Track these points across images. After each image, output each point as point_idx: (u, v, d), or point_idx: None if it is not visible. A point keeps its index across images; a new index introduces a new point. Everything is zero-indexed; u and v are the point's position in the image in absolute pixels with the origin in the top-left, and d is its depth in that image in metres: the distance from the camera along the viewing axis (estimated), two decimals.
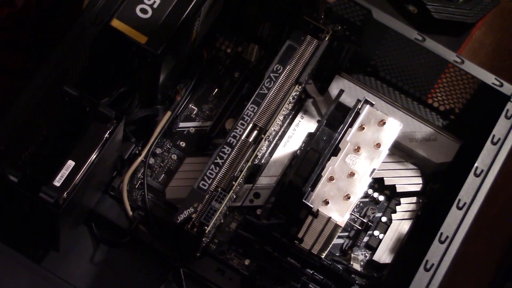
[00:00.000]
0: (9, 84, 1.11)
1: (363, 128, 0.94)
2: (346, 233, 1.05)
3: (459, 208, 0.93)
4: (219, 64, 1.11)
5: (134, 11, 0.93)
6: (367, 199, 1.06)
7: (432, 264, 0.91)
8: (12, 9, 1.08)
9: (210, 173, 0.94)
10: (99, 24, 0.92)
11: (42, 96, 0.89)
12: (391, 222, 1.05)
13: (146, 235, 1.00)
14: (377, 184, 1.07)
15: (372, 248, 1.04)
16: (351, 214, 1.00)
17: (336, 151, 0.93)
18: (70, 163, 0.85)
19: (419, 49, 1.01)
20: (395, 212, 1.06)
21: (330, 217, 0.90)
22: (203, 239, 0.94)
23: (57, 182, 0.84)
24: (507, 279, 1.19)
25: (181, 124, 1.07)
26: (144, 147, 1.03)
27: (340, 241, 1.04)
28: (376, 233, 1.04)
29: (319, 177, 0.91)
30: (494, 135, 0.97)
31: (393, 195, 1.06)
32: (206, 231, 0.91)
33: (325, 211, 0.90)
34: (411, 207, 1.06)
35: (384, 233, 1.04)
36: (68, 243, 0.99)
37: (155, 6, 0.94)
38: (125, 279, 1.00)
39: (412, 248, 1.02)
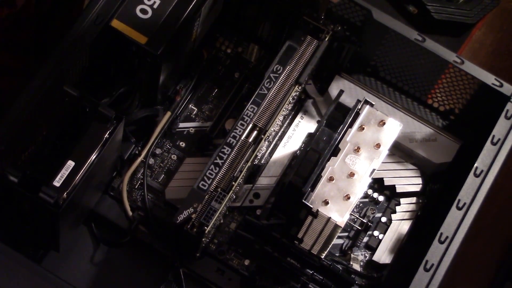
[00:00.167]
0: (9, 84, 1.11)
1: (363, 129, 0.94)
2: (346, 233, 1.05)
3: (459, 208, 0.93)
4: (219, 64, 1.11)
5: (134, 11, 0.93)
6: (367, 200, 1.06)
7: (432, 264, 0.91)
8: (12, 9, 1.08)
9: (210, 173, 0.94)
10: (99, 24, 0.92)
11: (42, 96, 0.89)
12: (391, 222, 1.05)
13: (146, 235, 1.00)
14: (377, 184, 1.07)
15: (372, 248, 1.04)
16: (351, 214, 1.00)
17: (336, 152, 0.93)
18: (70, 163, 0.85)
19: (419, 50, 1.01)
20: (395, 212, 1.06)
21: (330, 217, 0.90)
22: (203, 239, 0.94)
23: (57, 182, 0.84)
24: (507, 279, 1.19)
25: (181, 125, 1.07)
26: (144, 147, 1.03)
27: (340, 241, 1.04)
28: (376, 233, 1.04)
29: (319, 177, 0.91)
30: (494, 136, 0.97)
31: (393, 195, 1.06)
32: (206, 231, 0.91)
33: (325, 211, 0.90)
34: (411, 207, 1.06)
35: (384, 233, 1.04)
36: (68, 243, 0.99)
37: (155, 6, 0.94)
38: (125, 279, 1.00)
39: (412, 248, 1.02)
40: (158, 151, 1.05)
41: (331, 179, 0.92)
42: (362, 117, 0.95)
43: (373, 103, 0.96)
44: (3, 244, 0.83)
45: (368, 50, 1.05)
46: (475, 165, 0.95)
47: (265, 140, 1.00)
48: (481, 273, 1.21)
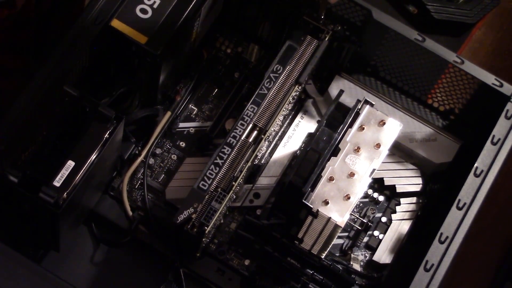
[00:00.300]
0: (9, 84, 1.11)
1: (363, 129, 0.94)
2: (346, 233, 1.05)
3: (459, 208, 0.93)
4: (219, 64, 1.11)
5: (134, 11, 0.93)
6: (367, 199, 1.06)
7: (432, 264, 0.91)
8: (12, 10, 1.08)
9: (210, 173, 0.94)
10: (99, 24, 0.92)
11: (42, 96, 0.89)
12: (391, 222, 1.05)
13: (146, 235, 1.00)
14: (377, 184, 1.07)
15: (372, 248, 1.04)
16: (351, 214, 1.00)
17: (336, 152, 0.93)
18: (70, 163, 0.85)
19: (419, 50, 1.01)
20: (395, 212, 1.06)
21: (330, 217, 0.90)
22: (203, 239, 0.94)
23: (57, 182, 0.84)
24: (507, 279, 1.19)
25: (181, 124, 1.07)
26: (144, 147, 1.03)
27: (340, 241, 1.04)
28: (376, 233, 1.04)
29: (319, 177, 0.91)
30: (494, 135, 0.97)
31: (393, 195, 1.06)
32: (206, 231, 0.91)
33: (325, 211, 0.90)
34: (411, 207, 1.06)
35: (384, 233, 1.04)
36: (68, 243, 0.99)
37: (155, 6, 0.94)
38: (125, 279, 1.00)
39: (412, 248, 1.02)
40: (158, 151, 1.05)
41: (331, 179, 0.92)
42: (362, 117, 0.95)
43: (373, 103, 0.96)
44: (3, 244, 0.83)
45: (368, 50, 1.05)
46: (475, 165, 0.95)
47: (265, 140, 1.00)
48: (481, 273, 1.21)
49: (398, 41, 1.02)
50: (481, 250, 1.20)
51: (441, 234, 0.92)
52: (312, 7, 1.02)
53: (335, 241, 0.96)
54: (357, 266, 1.02)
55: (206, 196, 0.93)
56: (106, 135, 0.87)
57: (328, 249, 0.94)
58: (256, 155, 1.01)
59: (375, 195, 1.06)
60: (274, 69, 1.00)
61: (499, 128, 0.97)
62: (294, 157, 1.06)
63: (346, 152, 0.93)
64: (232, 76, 1.10)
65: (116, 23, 0.92)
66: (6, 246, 0.83)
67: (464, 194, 0.94)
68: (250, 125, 0.97)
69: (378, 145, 0.94)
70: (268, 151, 1.06)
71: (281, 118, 1.04)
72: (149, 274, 1.00)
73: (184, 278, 0.98)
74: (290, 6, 1.03)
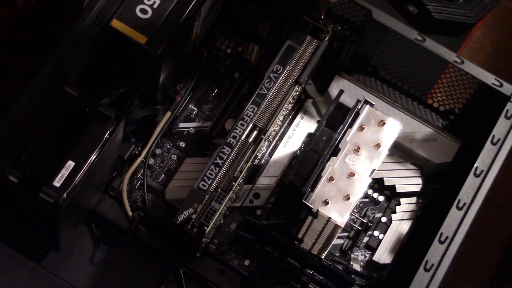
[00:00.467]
0: (9, 84, 1.11)
1: (363, 129, 0.94)
2: (346, 234, 1.05)
3: (459, 209, 0.93)
4: (219, 64, 1.11)
5: (134, 11, 0.93)
6: (367, 200, 1.06)
7: (432, 265, 0.91)
8: (12, 9, 1.08)
9: (210, 173, 0.94)
10: (99, 24, 0.92)
11: (42, 96, 0.89)
12: (391, 222, 1.05)
13: (146, 235, 1.00)
14: (377, 184, 1.07)
15: (372, 248, 1.04)
16: (351, 214, 1.00)
17: (336, 152, 0.93)
18: (70, 163, 0.85)
19: (419, 49, 1.01)
20: (395, 212, 1.06)
21: (330, 218, 0.90)
22: (203, 239, 0.94)
23: (57, 182, 0.84)
24: (507, 279, 1.19)
25: (181, 125, 1.07)
26: (144, 147, 1.03)
27: (340, 241, 1.04)
28: (376, 233, 1.04)
29: (319, 177, 0.91)
30: (494, 135, 0.97)
31: (393, 195, 1.06)
32: (206, 232, 0.91)
33: (325, 211, 0.90)
34: (411, 207, 1.06)
35: (384, 233, 1.04)
36: (68, 243, 0.99)
37: (155, 6, 0.94)
38: (125, 279, 1.00)
39: (412, 249, 1.02)
40: (158, 151, 1.05)
41: (331, 179, 0.92)
42: (362, 117, 0.95)
43: (373, 103, 0.96)
44: (3, 244, 0.83)
45: (368, 50, 1.05)
46: (475, 165, 0.95)
47: (265, 140, 1.00)
48: (481, 273, 1.21)
49: (398, 41, 1.02)
50: (481, 250, 1.20)
51: (441, 234, 0.92)
52: (312, 7, 1.02)
53: (335, 241, 0.96)
54: (357, 266, 1.02)
55: (206, 196, 0.93)
56: (106, 135, 0.87)
57: (328, 249, 0.94)
58: (256, 155, 1.01)
59: (375, 195, 1.06)
60: (274, 69, 1.00)
61: (499, 128, 0.97)
62: (294, 157, 1.06)
63: (346, 152, 0.93)
64: (232, 76, 1.10)
65: (116, 23, 0.92)
66: (6, 246, 0.83)
67: (464, 194, 0.94)
68: (250, 125, 0.97)
69: (378, 145, 0.94)
70: (268, 151, 1.06)
71: (281, 118, 1.04)
72: (149, 274, 1.00)
73: (184, 278, 0.98)
74: (290, 6, 1.03)
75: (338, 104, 0.99)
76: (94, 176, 0.90)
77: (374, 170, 0.93)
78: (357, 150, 0.93)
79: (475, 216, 0.93)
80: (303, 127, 1.08)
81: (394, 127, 0.95)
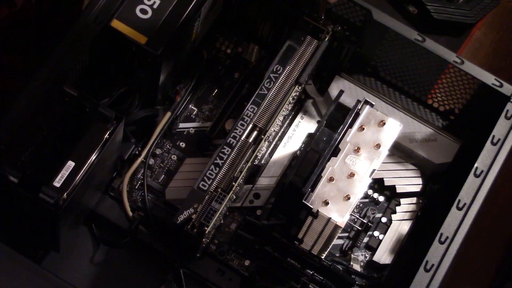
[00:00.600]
0: (9, 84, 1.11)
1: (363, 129, 0.94)
2: (346, 234, 1.05)
3: (459, 209, 0.93)
4: (219, 64, 1.11)
5: (134, 11, 0.93)
6: (367, 200, 1.06)
7: (432, 265, 0.91)
8: (12, 9, 1.08)
9: (210, 173, 0.94)
10: (99, 24, 0.92)
11: (42, 96, 0.89)
12: (391, 222, 1.05)
13: (146, 236, 1.00)
14: (377, 184, 1.07)
15: (372, 248, 1.04)
16: (351, 214, 1.00)
17: (336, 152, 0.93)
18: (70, 164, 0.85)
19: (419, 50, 1.01)
20: (395, 212, 1.05)
21: (330, 218, 0.90)
22: (203, 239, 0.94)
23: (57, 183, 0.84)
24: (507, 279, 1.19)
25: (181, 125, 1.07)
26: (144, 147, 1.03)
27: (340, 241, 1.04)
28: (376, 233, 1.04)
29: (319, 177, 0.91)
30: (494, 136, 0.97)
31: (393, 195, 1.06)
32: (206, 232, 0.91)
33: (325, 211, 0.90)
34: (411, 207, 1.06)
35: (384, 233, 1.04)
36: (68, 243, 0.99)
37: (155, 6, 0.94)
38: (125, 279, 1.00)
39: (412, 249, 1.02)
40: (158, 151, 1.05)
41: (331, 179, 0.92)
42: (362, 117, 0.95)
43: (373, 103, 0.96)
44: (3, 244, 0.83)
45: (368, 50, 1.05)
46: (475, 165, 0.95)
47: (265, 140, 1.00)
48: (481, 273, 1.21)
49: (398, 41, 1.02)
50: (481, 250, 1.20)
51: (441, 234, 0.92)
52: (312, 7, 1.02)
53: (335, 241, 0.96)
54: (357, 267, 1.02)
55: (206, 197, 0.93)
56: (106, 136, 0.87)
57: (328, 249, 0.94)
58: (256, 156, 1.01)
59: (375, 195, 1.06)
60: (274, 69, 1.00)
61: (499, 128, 0.97)
62: (294, 157, 1.06)
63: (346, 152, 0.93)
64: (232, 76, 1.10)
65: (116, 23, 0.92)
66: (6, 246, 0.83)
67: (464, 194, 0.94)
68: (250, 126, 0.97)
69: (378, 146, 0.94)
70: (268, 151, 1.06)
71: (281, 118, 1.04)
72: (149, 274, 1.00)
73: (184, 278, 0.98)
74: (290, 6, 1.03)
75: (338, 104, 0.99)
76: (94, 176, 0.89)
77: (374, 170, 0.93)
78: (357, 150, 0.93)
79: (475, 216, 0.93)
80: (303, 127, 1.08)
81: (394, 127, 0.95)
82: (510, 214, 1.24)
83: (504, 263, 1.20)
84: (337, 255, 1.04)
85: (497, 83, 0.99)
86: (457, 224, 0.92)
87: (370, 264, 1.03)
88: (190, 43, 1.02)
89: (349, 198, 0.91)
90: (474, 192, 0.94)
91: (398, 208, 1.06)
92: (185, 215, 0.92)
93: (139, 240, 1.00)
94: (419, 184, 1.06)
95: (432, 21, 1.20)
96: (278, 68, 1.00)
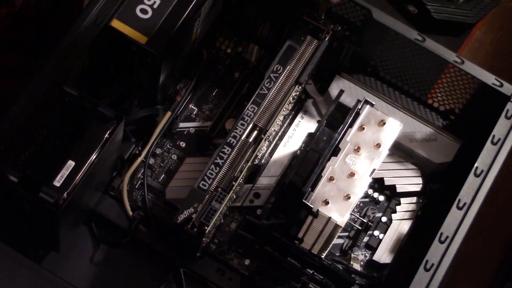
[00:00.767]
0: (9, 84, 1.11)
1: (363, 128, 0.94)
2: (346, 233, 1.05)
3: (459, 208, 0.93)
4: (219, 64, 1.11)
5: (134, 11, 0.93)
6: (367, 199, 1.06)
7: (432, 264, 0.91)
8: (11, 9, 1.08)
9: (210, 173, 0.94)
10: (99, 24, 0.92)
11: (42, 96, 0.89)
12: (391, 222, 1.05)
13: (146, 235, 1.00)
14: (377, 184, 1.07)
15: (372, 248, 1.04)
16: (351, 214, 1.00)
17: (336, 151, 0.93)
18: (70, 163, 0.85)
19: (419, 49, 1.01)
20: (395, 212, 1.06)
21: (330, 217, 0.90)
22: (203, 239, 0.94)
23: (57, 182, 0.84)
24: (507, 279, 1.19)
25: (181, 124, 1.07)
26: (144, 147, 1.03)
27: (340, 241, 1.04)
28: (376, 233, 1.04)
29: (319, 177, 0.91)
30: (494, 135, 0.97)
31: (393, 195, 1.06)
32: (206, 231, 0.91)
33: (325, 211, 0.90)
34: (411, 207, 1.06)
35: (384, 233, 1.04)
36: (68, 243, 0.99)
37: (155, 6, 0.94)
38: (125, 279, 1.00)
39: (412, 248, 1.02)
40: (158, 151, 1.05)
41: (331, 179, 0.92)
42: (362, 117, 0.95)
43: (373, 103, 0.96)
44: (3, 244, 0.83)
45: (368, 50, 1.05)
46: (475, 165, 0.95)
47: (265, 140, 1.00)
48: (481, 273, 1.21)
49: (398, 41, 1.02)
50: (481, 250, 1.20)
51: (441, 234, 0.92)
52: (312, 7, 1.02)
53: (335, 241, 0.96)
54: (357, 266, 1.02)
55: (206, 196, 0.93)
56: (106, 135, 0.87)
57: (328, 249, 0.94)
58: (256, 155, 1.01)
59: (375, 195, 1.06)
60: (274, 69, 1.00)
61: (499, 128, 0.97)
62: (294, 157, 1.06)
63: (346, 152, 0.93)
64: (232, 76, 1.10)
65: (116, 23, 0.92)
66: (6, 246, 0.83)
67: (464, 194, 0.94)
68: (250, 125, 0.97)
69: (378, 145, 0.94)
70: (268, 151, 1.06)
71: (281, 118, 1.04)
72: (149, 274, 1.00)
73: (184, 278, 0.98)
74: (290, 6, 1.03)
75: (338, 104, 0.99)
76: (94, 176, 0.89)
77: (374, 170, 0.93)
78: (357, 150, 0.93)
79: (475, 216, 0.93)
80: (303, 127, 1.08)
81: (394, 127, 0.95)
82: (510, 214, 1.24)
83: (504, 263, 1.20)
84: (337, 254, 1.04)
85: (497, 83, 0.99)
86: (457, 224, 0.92)
87: (370, 264, 1.03)
88: (190, 43, 1.02)
89: (349, 198, 0.91)
90: (474, 191, 0.94)
91: (398, 208, 1.06)
92: (185, 214, 0.92)
93: (139, 240, 1.00)
94: (419, 184, 1.06)
95: (432, 21, 1.20)
96: (278, 68, 1.00)
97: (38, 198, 0.82)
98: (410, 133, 1.06)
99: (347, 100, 1.04)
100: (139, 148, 1.04)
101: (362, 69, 1.09)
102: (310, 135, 1.07)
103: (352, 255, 1.03)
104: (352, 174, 0.92)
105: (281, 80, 1.00)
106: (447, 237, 0.92)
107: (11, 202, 0.88)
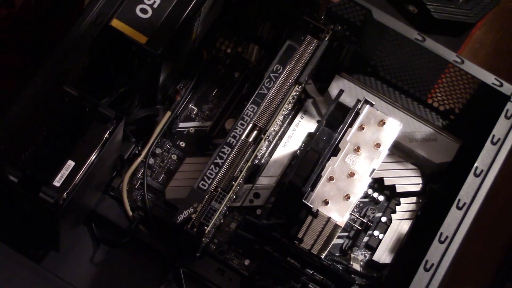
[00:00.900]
0: (9, 84, 1.11)
1: (363, 128, 0.94)
2: (346, 233, 1.05)
3: (459, 208, 0.93)
4: (219, 64, 1.11)
5: (134, 11, 0.93)
6: (367, 199, 1.06)
7: (432, 264, 0.91)
8: (11, 9, 1.08)
9: (210, 173, 0.94)
10: (99, 24, 0.92)
11: (42, 96, 0.89)
12: (391, 222, 1.05)
13: (146, 235, 1.00)
14: (377, 184, 1.07)
15: (372, 248, 1.04)
16: (351, 214, 1.00)
17: (336, 151, 0.93)
18: (70, 163, 0.85)
19: (419, 49, 1.01)
20: (395, 212, 1.06)
21: (330, 217, 0.90)
22: (203, 239, 0.94)
23: (57, 182, 0.84)
24: (507, 279, 1.19)
25: (181, 124, 1.07)
26: (144, 147, 1.03)
27: (340, 241, 1.04)
28: (376, 233, 1.04)
29: (319, 177, 0.91)
30: (494, 135, 0.97)
31: (393, 195, 1.06)
32: (206, 231, 0.91)
33: (325, 211, 0.90)
34: (411, 207, 1.06)
35: (384, 233, 1.04)
36: (68, 243, 0.99)
37: (155, 6, 0.94)
38: (125, 279, 1.00)
39: (412, 248, 1.02)
40: (158, 151, 1.05)
41: (331, 179, 0.92)
42: (362, 116, 0.95)
43: (373, 102, 0.96)
44: (3, 244, 0.83)
45: (368, 50, 1.05)
46: (475, 165, 0.95)
47: (265, 140, 1.00)
48: (481, 273, 1.21)
49: (398, 41, 1.02)
50: (481, 250, 1.20)
51: (441, 234, 0.92)
52: (312, 7, 1.02)
53: (335, 241, 0.96)
54: (357, 266, 1.02)
55: (206, 196, 0.93)
56: (106, 135, 0.87)
57: (328, 249, 0.94)
58: (256, 155, 1.01)
59: (375, 195, 1.06)
60: (274, 69, 1.00)
61: (499, 128, 0.97)
62: (294, 157, 1.06)
63: (346, 152, 0.93)
64: (232, 76, 1.10)
65: (116, 23, 0.92)
66: (6, 246, 0.83)
67: (464, 194, 0.94)
68: (250, 125, 0.97)
69: (378, 145, 0.94)
70: (268, 151, 1.06)
71: (281, 118, 1.04)
72: (149, 274, 1.00)
73: (184, 278, 0.98)
74: (290, 6, 1.03)
75: (338, 103, 0.99)
76: (94, 176, 0.90)
77: (374, 169, 0.93)
78: (357, 149, 0.93)
79: (475, 216, 0.93)
80: (303, 127, 1.08)
81: (394, 127, 0.95)
82: (510, 214, 1.24)
83: (504, 263, 1.21)
84: (337, 254, 1.04)
85: (497, 83, 0.99)
86: (457, 224, 0.92)
87: (370, 264, 1.03)
88: (190, 43, 1.02)
89: (349, 198, 0.91)
90: (474, 191, 0.94)
91: (398, 208, 1.06)
92: (185, 214, 0.92)
93: (139, 240, 1.00)
94: (419, 184, 1.06)
95: (432, 20, 1.20)
96: (278, 68, 1.00)
97: (38, 198, 0.82)
98: (410, 133, 1.06)
99: (347, 100, 1.04)
100: (139, 148, 1.04)
101: (362, 69, 1.09)
102: (310, 135, 1.07)
103: (352, 255, 1.03)
104: (352, 174, 0.92)
105: (281, 80, 1.00)
106: (447, 237, 0.92)
107: (11, 202, 0.88)
